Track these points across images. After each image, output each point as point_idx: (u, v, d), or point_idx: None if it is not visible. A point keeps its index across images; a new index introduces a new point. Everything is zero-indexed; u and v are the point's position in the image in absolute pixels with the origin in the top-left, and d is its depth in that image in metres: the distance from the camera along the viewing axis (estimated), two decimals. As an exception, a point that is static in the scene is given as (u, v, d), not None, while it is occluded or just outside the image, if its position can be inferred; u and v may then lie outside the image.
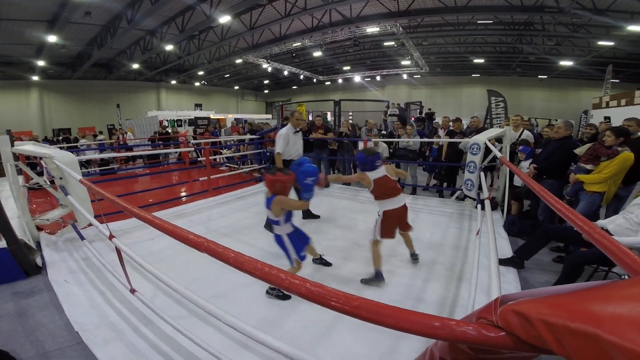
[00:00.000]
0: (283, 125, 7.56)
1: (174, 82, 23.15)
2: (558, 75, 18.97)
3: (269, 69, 18.86)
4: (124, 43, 14.57)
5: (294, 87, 28.77)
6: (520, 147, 4.51)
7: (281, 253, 2.49)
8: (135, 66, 17.10)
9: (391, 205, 2.83)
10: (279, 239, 2.49)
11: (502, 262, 2.94)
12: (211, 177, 5.89)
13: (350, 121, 10.31)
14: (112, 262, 2.60)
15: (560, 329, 0.47)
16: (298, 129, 4.27)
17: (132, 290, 2.23)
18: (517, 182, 4.51)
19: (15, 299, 2.60)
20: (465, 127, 6.50)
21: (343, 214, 4.83)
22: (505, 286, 2.57)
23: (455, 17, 12.26)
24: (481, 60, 17.78)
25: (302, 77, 22.51)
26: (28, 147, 3.82)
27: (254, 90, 30.64)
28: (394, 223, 2.88)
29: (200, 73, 21.51)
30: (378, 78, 22.19)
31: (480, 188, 4.20)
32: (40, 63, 15.11)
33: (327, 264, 3.10)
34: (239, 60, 18.00)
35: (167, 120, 15.51)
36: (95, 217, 3.03)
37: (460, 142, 5.43)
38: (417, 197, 5.89)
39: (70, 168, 3.10)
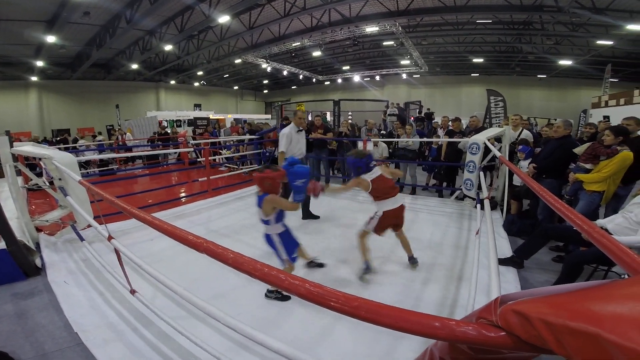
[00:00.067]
0: (282, 125, 7.57)
1: (173, 82, 23.14)
2: (557, 75, 19.00)
3: (268, 69, 18.86)
4: (123, 43, 14.56)
5: (293, 87, 28.77)
6: (520, 147, 4.51)
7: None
8: (135, 66, 17.10)
9: (391, 205, 2.84)
10: (269, 239, 2.46)
11: (502, 261, 2.95)
12: (211, 177, 5.89)
13: (350, 121, 10.32)
14: (112, 263, 2.59)
15: (560, 329, 0.47)
16: (301, 128, 4.27)
17: (132, 291, 2.23)
18: (517, 181, 4.51)
19: (14, 300, 2.60)
20: (464, 127, 6.50)
21: (343, 214, 4.83)
22: (505, 286, 2.57)
23: (454, 16, 12.26)
24: (480, 60, 17.80)
25: (301, 77, 22.52)
26: (27, 148, 3.81)
27: (253, 90, 30.64)
28: (391, 222, 2.89)
29: (200, 73, 21.50)
30: (377, 78, 22.20)
31: (479, 188, 4.21)
32: (39, 63, 15.10)
33: (321, 265, 3.05)
34: (238, 60, 18.00)
35: (166, 121, 15.48)
36: (95, 218, 3.03)
37: (460, 142, 5.43)
38: (416, 197, 5.89)
39: (70, 169, 3.09)
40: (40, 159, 3.96)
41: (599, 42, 12.74)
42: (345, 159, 3.03)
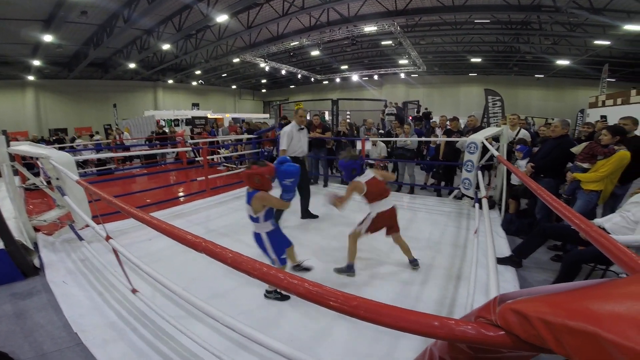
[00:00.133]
0: (281, 125, 7.57)
1: (171, 81, 23.06)
2: (555, 75, 19.06)
3: (267, 68, 18.83)
4: (121, 42, 14.49)
5: (291, 87, 28.75)
6: (518, 146, 4.52)
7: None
8: (132, 65, 17.01)
9: (384, 206, 2.84)
10: (257, 238, 2.42)
11: (501, 261, 2.96)
12: (209, 177, 5.87)
13: (348, 120, 10.32)
14: (111, 262, 2.59)
15: (559, 328, 0.47)
16: (302, 127, 4.27)
17: (134, 291, 2.22)
18: (515, 180, 4.52)
19: (13, 300, 2.59)
20: (462, 126, 6.51)
21: (342, 213, 4.81)
22: (504, 285, 2.58)
23: (452, 16, 12.27)
24: (478, 60, 17.83)
25: (299, 76, 22.50)
26: (24, 148, 3.80)
27: (252, 89, 30.59)
28: (384, 224, 2.90)
29: (198, 72, 21.44)
30: (376, 77, 22.20)
31: (477, 187, 4.22)
32: (36, 63, 15.01)
33: (307, 269, 2.94)
34: (236, 60, 17.96)
35: (164, 120, 15.44)
36: (93, 217, 3.02)
37: (458, 141, 5.45)
38: (415, 197, 5.90)
39: (67, 168, 3.08)
40: (37, 159, 3.94)
41: (597, 42, 12.78)
42: (337, 162, 2.99)
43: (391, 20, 12.25)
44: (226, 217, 4.73)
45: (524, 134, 5.18)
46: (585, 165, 3.36)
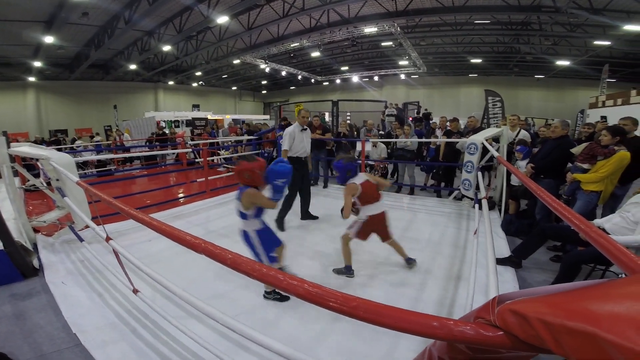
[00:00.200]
0: (281, 126, 7.57)
1: (171, 82, 23.10)
2: (555, 75, 19.06)
3: (267, 70, 18.86)
4: (122, 44, 14.52)
5: (292, 88, 28.78)
6: (518, 147, 4.52)
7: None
8: (133, 67, 17.06)
9: (375, 210, 2.84)
10: (245, 236, 2.37)
11: (500, 261, 2.95)
12: (209, 178, 5.88)
13: (348, 121, 10.32)
14: (111, 263, 2.59)
15: (558, 328, 0.47)
16: (305, 127, 4.28)
17: (135, 291, 2.22)
18: (515, 181, 4.52)
19: (12, 300, 2.59)
20: (462, 127, 6.51)
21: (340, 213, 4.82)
22: (503, 285, 2.58)
23: (452, 17, 12.29)
24: (479, 60, 17.85)
25: (300, 77, 22.52)
26: (24, 149, 3.80)
27: (252, 90, 30.62)
28: (374, 228, 2.89)
29: (198, 74, 21.47)
30: (376, 78, 22.22)
31: (477, 188, 4.21)
32: (37, 64, 15.04)
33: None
34: (236, 61, 17.99)
35: (164, 121, 15.46)
36: (93, 218, 3.02)
37: (458, 142, 5.45)
38: (415, 197, 5.90)
39: (67, 170, 3.08)
40: (37, 160, 3.94)
41: (597, 42, 12.79)
42: (333, 164, 2.98)
43: (391, 21, 12.26)
44: (226, 218, 4.73)
45: (524, 134, 5.18)
46: (585, 166, 3.36)
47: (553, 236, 3.14)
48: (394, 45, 14.95)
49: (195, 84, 24.97)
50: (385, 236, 2.98)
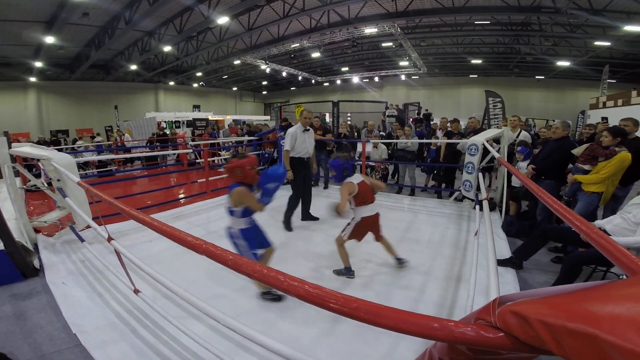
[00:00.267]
0: (281, 126, 7.57)
1: (172, 83, 23.13)
2: (555, 76, 19.07)
3: (268, 70, 18.88)
4: (122, 44, 14.55)
5: (292, 89, 28.82)
6: (519, 148, 4.52)
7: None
8: (134, 67, 17.09)
9: (370, 212, 2.83)
10: (230, 233, 2.35)
11: (501, 262, 2.95)
12: (210, 178, 5.88)
13: (349, 122, 10.33)
14: (112, 263, 2.59)
15: (559, 330, 0.47)
16: (307, 128, 4.29)
17: (136, 291, 2.22)
18: (515, 182, 4.52)
19: (12, 301, 2.59)
20: (463, 128, 6.51)
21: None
22: (504, 287, 2.58)
23: (452, 17, 12.31)
24: (479, 61, 17.86)
25: (300, 78, 22.54)
26: (25, 149, 3.81)
27: (253, 91, 30.65)
28: (367, 230, 2.88)
29: (199, 74, 21.50)
30: (376, 79, 22.25)
31: (478, 189, 4.21)
32: (38, 64, 15.08)
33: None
34: (237, 62, 18.01)
35: (165, 122, 15.48)
36: (94, 219, 3.02)
37: (459, 143, 5.45)
38: (415, 198, 5.90)
39: (68, 170, 3.09)
40: (38, 160, 3.95)
41: (597, 43, 12.80)
42: (329, 163, 2.96)
43: (391, 22, 12.27)
44: (227, 219, 4.72)
45: (524, 135, 5.18)
46: (586, 167, 3.35)
47: (554, 237, 3.13)
48: (394, 46, 14.98)
49: (195, 85, 25.00)
50: (378, 236, 2.98)
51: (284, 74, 20.68)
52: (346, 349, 2.02)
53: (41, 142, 10.98)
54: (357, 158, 6.85)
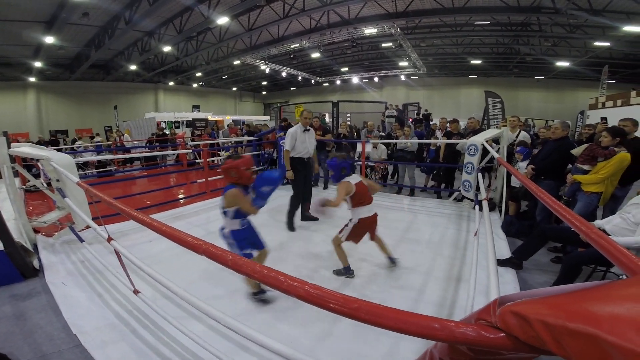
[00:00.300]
0: (281, 127, 7.57)
1: (171, 83, 23.12)
2: (555, 76, 19.10)
3: (267, 71, 18.87)
4: (122, 44, 14.55)
5: (292, 89, 28.82)
6: (518, 148, 4.53)
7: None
8: (133, 67, 17.08)
9: (367, 212, 2.82)
10: (222, 234, 2.34)
11: (501, 262, 2.95)
12: (209, 179, 5.88)
13: (349, 122, 10.33)
14: (111, 264, 2.59)
15: (559, 330, 0.47)
16: (307, 128, 4.29)
17: (136, 292, 2.22)
18: (515, 182, 4.52)
19: (12, 301, 2.59)
20: (462, 128, 6.52)
21: (343, 215, 4.82)
22: (504, 287, 2.58)
23: (452, 18, 12.32)
24: (478, 61, 17.87)
25: (300, 78, 22.54)
26: (25, 149, 3.80)
27: (252, 91, 30.64)
28: (365, 231, 2.88)
29: (198, 74, 21.50)
30: (376, 79, 22.24)
31: (478, 189, 4.21)
32: (38, 64, 15.07)
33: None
34: (237, 62, 18.01)
35: (164, 122, 15.46)
36: (93, 219, 3.02)
37: (458, 143, 5.45)
38: (415, 199, 5.90)
39: (68, 170, 3.09)
40: (38, 160, 3.95)
41: (596, 43, 12.81)
42: (327, 162, 2.95)
43: (391, 23, 12.28)
44: (226, 218, 4.72)
45: (524, 135, 5.19)
46: (585, 167, 3.36)
47: (553, 237, 3.14)
48: (394, 47, 14.98)
49: (195, 85, 25.00)
50: (373, 235, 2.99)
51: (284, 74, 20.68)
52: (346, 349, 2.01)
53: (41, 142, 10.98)
54: (356, 158, 6.85)
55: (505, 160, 4.67)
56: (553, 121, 5.24)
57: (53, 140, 12.76)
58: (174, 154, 10.48)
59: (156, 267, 1.84)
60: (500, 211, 4.63)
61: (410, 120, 12.25)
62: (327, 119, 13.93)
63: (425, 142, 6.91)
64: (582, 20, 10.75)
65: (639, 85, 13.31)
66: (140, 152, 10.86)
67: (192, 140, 11.41)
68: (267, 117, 21.98)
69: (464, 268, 3.07)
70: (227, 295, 2.61)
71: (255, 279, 0.94)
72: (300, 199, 4.31)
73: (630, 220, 2.51)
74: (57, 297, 2.57)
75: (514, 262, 3.05)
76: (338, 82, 23.94)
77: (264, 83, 27.17)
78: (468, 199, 5.01)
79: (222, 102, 28.03)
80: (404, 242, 3.79)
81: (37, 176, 5.23)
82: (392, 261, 3.03)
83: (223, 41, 14.28)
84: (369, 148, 6.62)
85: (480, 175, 4.15)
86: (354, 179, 2.81)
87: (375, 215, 2.89)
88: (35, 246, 3.46)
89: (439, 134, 7.73)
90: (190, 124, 15.61)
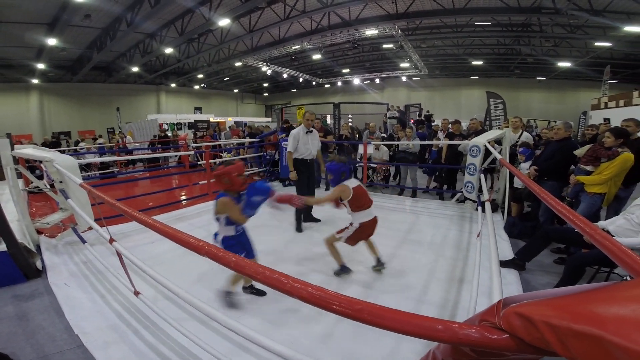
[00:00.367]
0: (283, 128, 7.58)
1: (173, 85, 23.19)
2: (556, 77, 19.05)
3: (269, 72, 18.92)
4: (124, 46, 14.61)
5: (293, 90, 28.84)
6: (521, 149, 4.51)
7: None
8: (135, 69, 17.15)
9: (367, 217, 2.81)
10: (216, 239, 2.34)
11: (503, 264, 2.94)
12: (211, 180, 5.88)
13: (350, 124, 10.33)
14: (114, 265, 2.60)
15: (564, 331, 0.47)
16: (310, 129, 4.30)
17: (136, 293, 2.23)
18: (517, 183, 4.51)
19: (15, 302, 2.60)
20: (465, 129, 6.51)
21: (343, 216, 4.82)
22: (507, 288, 2.57)
23: (453, 19, 12.32)
24: (480, 62, 17.84)
25: (301, 80, 22.58)
26: (28, 151, 3.83)
27: (254, 93, 30.70)
28: (365, 235, 2.87)
29: (200, 76, 21.56)
30: (377, 81, 22.26)
31: (480, 190, 4.20)
32: (40, 66, 15.13)
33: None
34: (238, 63, 18.05)
35: (166, 124, 15.51)
36: (96, 220, 3.03)
37: (460, 144, 5.44)
38: (417, 200, 5.89)
39: (71, 172, 3.10)
40: (41, 162, 3.97)
41: (598, 43, 12.78)
42: (326, 166, 2.91)
43: (392, 24, 12.28)
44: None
45: (526, 136, 5.18)
46: (588, 168, 3.34)
47: (557, 238, 3.13)
48: (394, 48, 14.99)
49: (197, 87, 25.07)
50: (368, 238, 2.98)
51: (285, 75, 20.71)
52: (348, 350, 2.01)
53: (47, 143, 11.04)
54: (358, 160, 6.85)
55: (508, 161, 4.66)
56: (555, 122, 5.23)
57: (54, 141, 12.79)
58: (176, 156, 10.50)
59: (158, 268, 1.84)
60: (502, 212, 4.62)
61: (412, 121, 12.24)
62: (329, 120, 13.95)
63: (427, 143, 6.90)
64: (583, 21, 10.72)
65: (641, 85, 13.26)
66: (142, 154, 10.88)
67: (194, 142, 11.44)
68: (269, 119, 22.02)
69: (467, 269, 3.06)
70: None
71: (258, 280, 0.94)
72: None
73: (634, 221, 2.50)
74: (60, 298, 2.58)
75: (517, 263, 3.04)
76: (339, 83, 23.95)
77: (266, 85, 27.21)
78: (470, 200, 5.00)
79: (223, 103, 28.08)
80: (406, 243, 3.79)
81: (40, 178, 5.26)
82: (379, 264, 2.99)
83: (224, 43, 14.31)
84: (370, 149, 6.62)
85: (482, 176, 4.14)
86: (353, 182, 2.80)
87: (375, 218, 2.88)
88: (38, 247, 3.48)
89: (441, 135, 7.73)
90: (192, 125, 15.66)
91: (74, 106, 20.05)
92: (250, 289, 2.61)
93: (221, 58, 17.31)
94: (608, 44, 12.61)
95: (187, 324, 2.13)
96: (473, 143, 4.74)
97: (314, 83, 24.16)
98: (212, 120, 17.14)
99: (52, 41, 11.70)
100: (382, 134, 10.49)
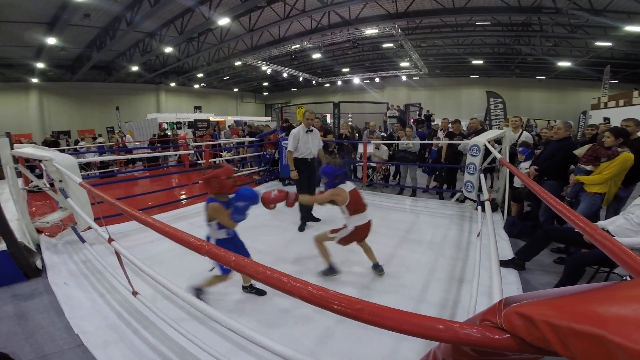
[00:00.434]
0: (283, 128, 7.58)
1: (173, 84, 23.17)
2: (556, 76, 19.05)
3: (268, 71, 18.90)
4: (124, 45, 14.59)
5: (293, 89, 28.83)
6: (520, 149, 4.51)
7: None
8: (135, 68, 17.14)
9: (362, 219, 2.80)
10: (208, 240, 2.30)
11: (503, 263, 2.94)
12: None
13: (350, 123, 10.32)
14: (113, 264, 2.59)
15: (565, 331, 0.47)
16: (310, 128, 4.30)
17: (135, 293, 2.22)
18: (517, 183, 4.51)
19: (14, 301, 2.59)
20: (465, 129, 6.51)
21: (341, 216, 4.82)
22: (507, 288, 2.57)
23: (453, 18, 12.31)
24: (480, 62, 17.85)
25: (301, 79, 22.57)
26: (27, 150, 3.82)
27: (254, 92, 30.69)
28: (360, 237, 2.86)
29: (200, 75, 21.54)
30: (377, 80, 22.24)
31: (480, 189, 4.20)
32: (40, 65, 15.11)
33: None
34: (238, 63, 18.05)
35: (166, 123, 15.49)
36: (95, 219, 3.03)
37: (460, 144, 5.44)
38: (417, 199, 5.89)
39: (70, 171, 3.10)
40: (40, 161, 3.97)
41: (598, 43, 12.78)
42: (321, 169, 2.89)
43: (392, 23, 12.27)
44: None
45: (526, 136, 5.18)
46: (588, 168, 3.34)
47: (557, 238, 3.13)
48: (394, 47, 14.98)
49: (196, 86, 25.05)
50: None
51: (285, 75, 20.70)
52: (349, 349, 2.01)
53: (48, 142, 11.03)
54: (358, 159, 6.85)
55: (508, 160, 4.66)
56: (555, 121, 5.22)
57: (54, 141, 12.77)
58: (175, 155, 10.50)
59: (158, 268, 1.85)
60: (502, 212, 4.62)
61: (412, 120, 12.24)
62: (329, 119, 13.94)
63: (427, 142, 6.90)
64: (583, 20, 10.72)
65: (641, 85, 13.26)
66: (142, 153, 10.88)
67: (194, 141, 11.44)
68: (269, 118, 22.01)
69: (467, 269, 3.06)
70: (229, 296, 2.61)
71: (258, 279, 0.93)
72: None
73: (634, 221, 2.50)
74: (60, 298, 2.58)
75: (517, 262, 3.04)
76: (339, 82, 23.94)
77: (265, 84, 27.20)
78: (470, 199, 5.00)
79: (223, 102, 28.06)
80: (406, 242, 3.79)
81: (39, 177, 5.25)
82: (377, 268, 2.96)
83: (224, 42, 14.31)
84: (370, 149, 6.62)
85: (482, 175, 4.14)
86: (348, 186, 2.78)
87: (370, 222, 2.87)
88: (38, 246, 3.47)
89: (441, 134, 7.73)
90: (192, 124, 15.65)
91: (73, 105, 20.04)
92: (250, 289, 2.61)
93: (221, 57, 17.30)
94: (608, 44, 12.61)
95: (187, 324, 2.14)
96: (473, 142, 4.74)
97: (313, 82, 24.15)
98: (211, 119, 17.14)
99: (51, 40, 11.69)
100: (382, 134, 10.48)
